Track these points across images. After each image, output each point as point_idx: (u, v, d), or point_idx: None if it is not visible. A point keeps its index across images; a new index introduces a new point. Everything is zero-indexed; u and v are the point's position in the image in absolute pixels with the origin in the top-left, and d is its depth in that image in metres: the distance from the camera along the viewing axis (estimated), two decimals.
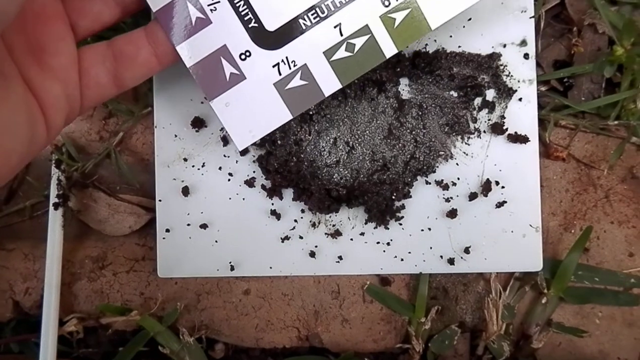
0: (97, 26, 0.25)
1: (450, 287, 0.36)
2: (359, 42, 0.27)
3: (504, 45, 0.33)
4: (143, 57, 0.26)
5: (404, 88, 0.34)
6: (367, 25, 0.26)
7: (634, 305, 0.35)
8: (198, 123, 0.34)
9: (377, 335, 0.37)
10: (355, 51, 0.27)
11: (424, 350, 0.36)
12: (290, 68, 0.27)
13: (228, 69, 0.27)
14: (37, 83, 0.23)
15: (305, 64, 0.27)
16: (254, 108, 0.28)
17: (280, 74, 0.27)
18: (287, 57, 0.27)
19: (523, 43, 0.33)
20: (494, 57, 0.33)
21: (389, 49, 0.27)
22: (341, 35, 0.26)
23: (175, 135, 0.34)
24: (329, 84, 0.27)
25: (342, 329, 0.37)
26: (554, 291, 0.35)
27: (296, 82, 0.27)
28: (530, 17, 0.33)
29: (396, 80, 0.33)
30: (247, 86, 0.27)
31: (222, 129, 0.34)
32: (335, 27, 0.26)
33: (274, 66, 0.27)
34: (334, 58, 0.27)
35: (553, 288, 0.35)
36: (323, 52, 0.27)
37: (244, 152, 0.34)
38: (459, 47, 0.33)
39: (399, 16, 0.26)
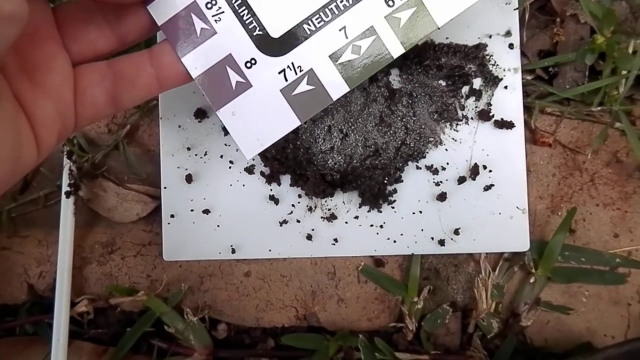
0: (90, 53, 0.25)
1: (442, 268, 0.38)
2: (364, 43, 0.26)
3: (490, 36, 0.35)
4: (144, 80, 0.25)
5: (395, 78, 0.35)
6: (372, 26, 0.26)
7: (620, 283, 0.36)
8: (200, 114, 0.36)
9: (371, 314, 0.38)
10: (361, 53, 0.26)
11: (417, 329, 0.37)
12: (296, 74, 0.26)
13: (234, 77, 0.26)
14: (29, 101, 0.22)
15: (312, 69, 0.26)
16: (261, 116, 0.27)
17: (286, 80, 0.26)
18: (292, 63, 0.26)
19: (508, 34, 0.35)
20: (480, 47, 0.35)
21: (396, 49, 0.26)
22: (346, 38, 0.26)
23: (179, 126, 0.36)
24: (336, 87, 0.27)
25: (338, 309, 0.38)
26: (542, 271, 0.36)
27: (303, 87, 0.27)
28: (515, 9, 0.35)
29: (387, 71, 0.35)
30: (254, 94, 0.27)
31: None
32: (340, 30, 0.26)
33: (280, 72, 0.26)
34: (340, 61, 0.26)
35: (541, 268, 0.36)
36: (329, 56, 0.26)
37: None
38: (447, 38, 0.35)
39: (404, 15, 0.26)
